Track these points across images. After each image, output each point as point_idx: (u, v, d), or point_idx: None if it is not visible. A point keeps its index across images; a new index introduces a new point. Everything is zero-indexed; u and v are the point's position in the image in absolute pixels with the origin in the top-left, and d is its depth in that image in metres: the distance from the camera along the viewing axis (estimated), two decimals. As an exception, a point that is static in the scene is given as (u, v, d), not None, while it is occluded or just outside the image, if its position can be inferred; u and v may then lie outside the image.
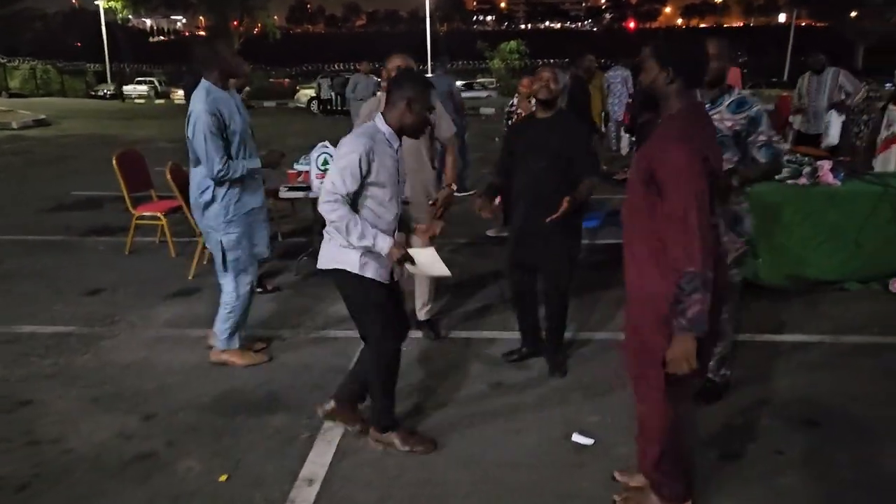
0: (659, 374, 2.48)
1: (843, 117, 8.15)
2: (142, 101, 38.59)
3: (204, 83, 3.86)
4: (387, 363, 3.17)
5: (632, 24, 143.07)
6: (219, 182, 3.87)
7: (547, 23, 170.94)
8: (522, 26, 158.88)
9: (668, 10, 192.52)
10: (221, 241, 3.97)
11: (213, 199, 3.92)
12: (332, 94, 25.93)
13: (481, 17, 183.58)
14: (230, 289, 4.07)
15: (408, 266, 3.06)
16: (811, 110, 8.27)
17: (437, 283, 4.65)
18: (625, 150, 10.95)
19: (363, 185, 2.92)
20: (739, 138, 3.33)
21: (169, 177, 5.76)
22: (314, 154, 5.55)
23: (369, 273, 3.04)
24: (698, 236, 2.25)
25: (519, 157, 3.99)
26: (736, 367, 3.84)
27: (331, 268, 3.10)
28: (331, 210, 2.88)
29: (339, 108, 24.95)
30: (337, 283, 3.14)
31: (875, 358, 4.14)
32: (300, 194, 5.60)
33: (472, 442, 3.31)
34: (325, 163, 5.53)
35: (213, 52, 3.89)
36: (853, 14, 29.37)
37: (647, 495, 2.76)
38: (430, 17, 40.05)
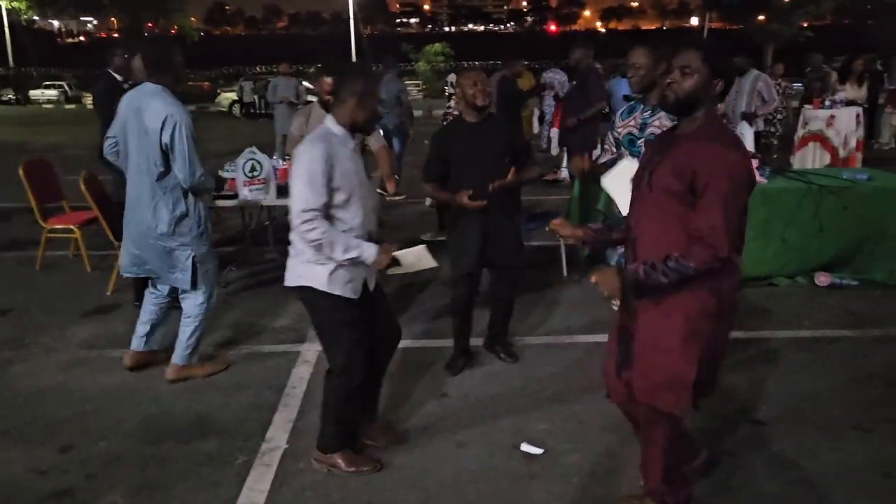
0: (677, 397, 2.40)
1: (753, 128, 8.23)
2: (50, 106, 36.76)
3: (157, 87, 3.67)
4: (350, 390, 2.96)
5: (553, 27, 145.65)
6: (191, 192, 3.73)
7: (470, 25, 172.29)
8: (446, 29, 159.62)
9: (587, 13, 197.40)
10: (194, 256, 3.79)
11: (186, 212, 3.74)
12: (255, 97, 25.35)
13: (405, 20, 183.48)
14: (199, 301, 3.91)
15: (392, 269, 2.93)
16: (729, 111, 8.44)
17: None
18: (554, 151, 11.03)
19: (329, 191, 2.78)
20: None
21: (83, 186, 5.38)
22: (241, 161, 5.29)
23: (337, 289, 2.87)
24: (720, 247, 2.19)
25: (457, 164, 3.89)
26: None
27: (297, 285, 2.92)
28: (309, 229, 2.71)
29: (263, 112, 24.40)
30: (304, 302, 2.97)
31: (810, 352, 4.22)
32: (228, 203, 5.34)
33: (419, 458, 3.18)
34: (253, 169, 5.28)
35: (170, 55, 3.75)
36: (760, 17, 30.67)
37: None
38: (354, 18, 39.68)
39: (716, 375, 2.56)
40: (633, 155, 3.44)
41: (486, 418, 3.52)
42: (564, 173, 9.62)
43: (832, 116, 8.60)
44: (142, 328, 4.04)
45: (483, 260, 3.93)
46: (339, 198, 2.80)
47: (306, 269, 2.87)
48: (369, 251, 2.81)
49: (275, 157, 5.90)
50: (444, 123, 7.34)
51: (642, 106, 3.49)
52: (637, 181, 2.50)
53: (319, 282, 2.85)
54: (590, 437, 3.31)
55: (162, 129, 3.57)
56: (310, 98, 13.02)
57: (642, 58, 3.41)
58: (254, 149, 5.31)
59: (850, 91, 10.19)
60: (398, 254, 2.89)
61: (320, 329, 3.00)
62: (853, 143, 8.64)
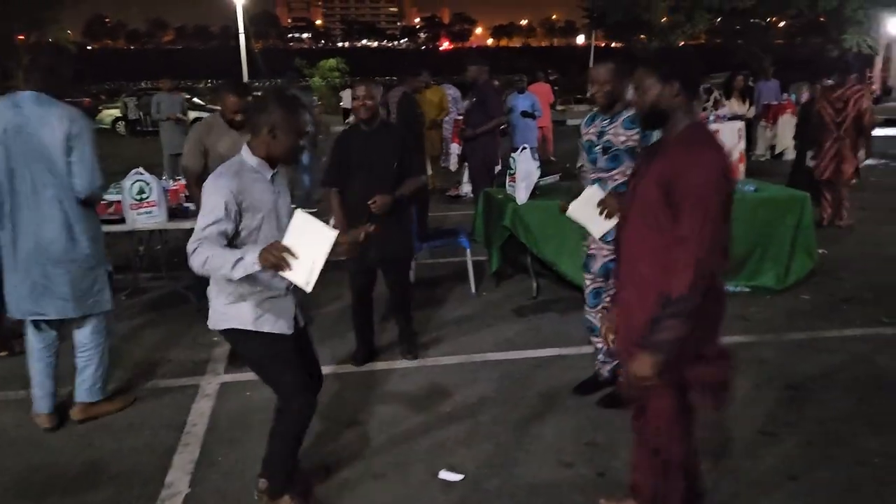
0: (670, 405, 2.38)
1: None
2: None
3: (38, 94, 3.29)
4: (304, 425, 2.79)
5: (446, 44, 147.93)
6: (85, 202, 3.41)
7: (364, 41, 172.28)
8: (340, 44, 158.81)
9: (479, 31, 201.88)
10: (97, 277, 3.51)
11: (95, 229, 3.51)
12: (140, 113, 24.17)
13: (297, 35, 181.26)
14: (102, 325, 3.62)
15: (293, 263, 2.36)
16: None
17: None
18: (454, 166, 11.06)
19: (238, 228, 2.55)
20: (633, 154, 3.44)
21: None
22: (127, 182, 4.96)
23: (266, 327, 2.67)
24: (704, 260, 2.13)
25: (351, 169, 4.14)
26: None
27: (223, 328, 2.70)
28: (193, 258, 2.47)
29: (149, 129, 23.31)
30: (233, 343, 2.79)
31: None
32: (114, 227, 4.98)
33: (335, 493, 3.01)
34: (141, 191, 4.97)
35: (69, 63, 3.42)
36: (642, 36, 32.26)
37: None
38: (244, 32, 38.70)
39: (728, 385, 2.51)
40: (590, 161, 3.62)
41: (401, 445, 3.40)
42: (466, 189, 9.65)
43: (716, 131, 9.04)
44: (49, 384, 3.60)
45: (374, 256, 4.09)
46: (256, 231, 2.60)
47: (231, 308, 2.66)
48: (251, 256, 2.38)
49: (164, 178, 5.58)
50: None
51: (602, 114, 3.60)
52: (628, 193, 2.49)
53: (245, 321, 2.65)
54: (509, 459, 3.25)
55: (68, 138, 3.27)
56: (197, 114, 12.46)
57: (606, 74, 3.48)
58: (141, 170, 5.00)
59: (735, 106, 10.80)
60: (288, 242, 2.38)
61: (258, 369, 2.79)
62: (736, 156, 9.11)
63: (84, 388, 3.64)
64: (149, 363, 4.40)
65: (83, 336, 3.60)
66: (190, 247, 2.48)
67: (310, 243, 2.36)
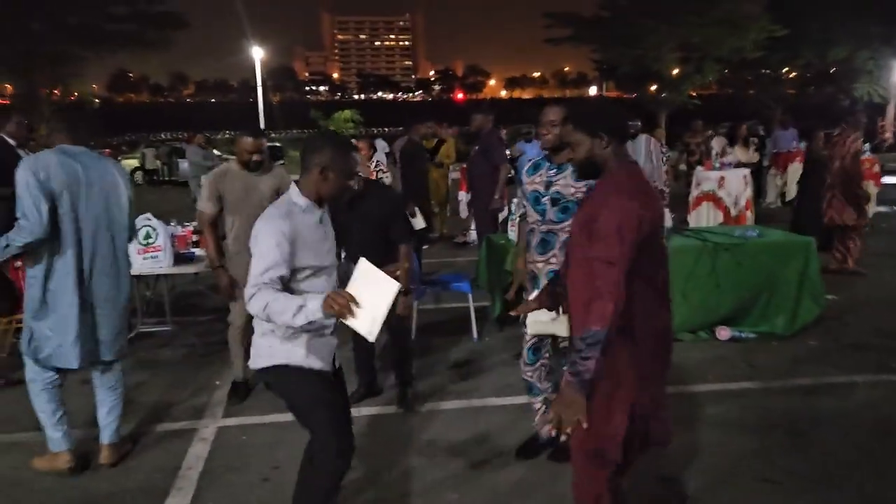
0: (603, 455, 2.41)
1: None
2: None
3: (87, 150, 3.46)
4: (340, 476, 2.65)
5: (460, 96, 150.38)
6: None
7: (379, 93, 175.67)
8: (356, 97, 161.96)
9: (492, 82, 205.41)
10: (128, 320, 3.70)
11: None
12: (159, 163, 24.67)
13: (314, 87, 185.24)
14: (120, 366, 3.68)
15: (356, 311, 2.35)
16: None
17: None
18: (463, 213, 11.16)
19: (291, 270, 2.52)
20: None
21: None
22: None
23: (317, 364, 2.62)
24: (614, 294, 2.19)
25: (342, 227, 3.98)
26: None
27: (267, 366, 2.63)
28: (252, 303, 2.42)
29: (167, 179, 23.74)
30: (278, 384, 2.69)
31: (715, 405, 4.29)
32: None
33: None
34: (148, 236, 5.06)
35: (93, 119, 3.65)
36: (653, 87, 32.69)
37: None
38: (262, 86, 39.66)
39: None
40: (537, 212, 3.43)
41: (395, 491, 3.36)
42: (473, 236, 9.71)
43: (722, 178, 9.12)
44: (65, 420, 3.55)
45: None
46: (305, 271, 2.57)
47: (277, 346, 2.60)
48: (314, 303, 2.35)
49: (173, 223, 5.67)
50: None
51: (548, 164, 3.46)
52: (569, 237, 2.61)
53: (295, 357, 2.59)
54: (504, 505, 3.20)
55: (126, 188, 3.53)
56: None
57: (556, 115, 3.34)
58: (148, 215, 5.11)
59: (740, 153, 10.88)
60: (351, 286, 2.40)
61: (301, 410, 2.67)
62: (743, 203, 9.16)
63: (112, 429, 3.64)
64: (148, 406, 4.40)
65: (113, 378, 3.64)
66: (248, 292, 2.44)
67: (373, 293, 2.37)
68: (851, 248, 7.43)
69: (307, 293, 2.48)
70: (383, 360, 4.87)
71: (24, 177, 3.21)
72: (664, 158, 9.37)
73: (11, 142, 5.18)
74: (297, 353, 2.59)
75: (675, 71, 31.12)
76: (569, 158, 2.51)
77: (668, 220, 6.13)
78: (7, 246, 3.24)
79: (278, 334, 2.59)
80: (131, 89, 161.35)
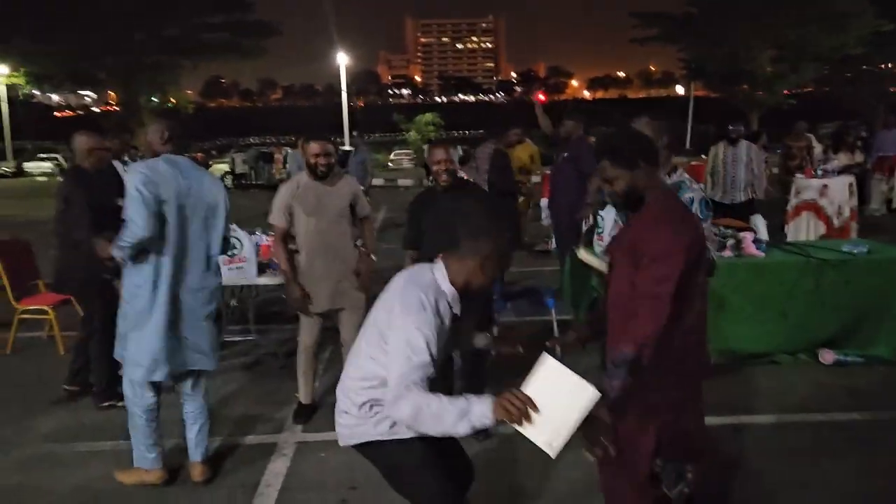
0: (636, 472, 2.46)
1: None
2: (44, 178, 36.91)
3: (184, 159, 3.51)
4: None
5: (542, 97, 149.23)
6: None
7: (460, 95, 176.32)
8: (437, 99, 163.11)
9: (574, 83, 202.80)
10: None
11: None
12: (248, 167, 25.47)
13: (397, 91, 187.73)
14: (204, 384, 3.71)
15: (535, 417, 2.02)
16: (727, 180, 8.34)
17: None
18: (545, 221, 10.93)
19: None
20: None
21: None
22: (220, 238, 5.13)
23: (405, 433, 2.33)
24: (656, 320, 2.25)
25: (430, 233, 4.02)
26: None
27: (358, 443, 2.44)
28: (398, 406, 2.14)
29: (255, 183, 24.49)
30: (372, 460, 2.49)
31: (815, 437, 3.98)
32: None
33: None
34: (233, 247, 5.12)
35: (184, 126, 3.67)
36: (743, 86, 31.37)
37: None
38: (346, 90, 40.41)
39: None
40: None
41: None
42: (554, 243, 9.49)
43: (825, 186, 8.54)
44: (160, 444, 3.58)
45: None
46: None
47: (365, 423, 2.39)
48: (480, 406, 2.04)
49: (257, 232, 5.74)
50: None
51: None
52: (608, 266, 2.65)
53: (380, 433, 2.38)
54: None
55: (224, 200, 3.56)
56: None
57: (644, 129, 3.27)
58: (234, 226, 5.15)
59: (844, 159, 10.18)
60: (530, 391, 2.04)
61: (399, 481, 2.46)
62: (847, 213, 8.57)
63: (204, 446, 3.65)
64: (230, 419, 4.43)
65: (201, 391, 3.66)
66: (394, 392, 2.15)
67: (558, 398, 2.02)
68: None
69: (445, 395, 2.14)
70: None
71: (134, 182, 3.25)
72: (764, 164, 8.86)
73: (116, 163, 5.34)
74: (380, 430, 2.38)
75: (769, 69, 29.81)
76: (609, 194, 2.51)
77: (764, 232, 5.78)
78: (120, 247, 3.27)
79: (355, 415, 2.39)
80: (223, 95, 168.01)
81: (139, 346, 3.37)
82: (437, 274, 2.36)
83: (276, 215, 4.25)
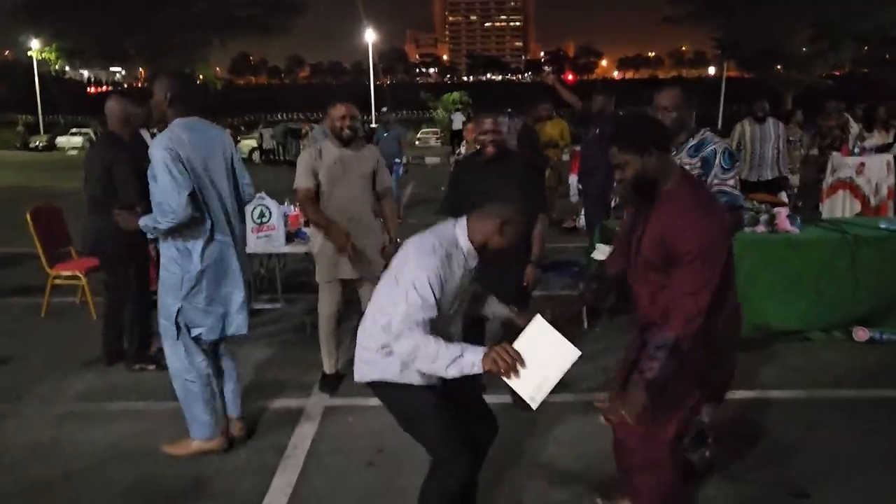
0: (665, 435, 2.52)
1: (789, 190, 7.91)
2: (75, 152, 37.44)
3: (197, 119, 3.44)
4: (452, 489, 2.43)
5: (570, 77, 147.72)
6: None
7: (489, 75, 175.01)
8: (465, 78, 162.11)
9: (604, 62, 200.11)
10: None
11: None
12: (275, 143, 25.56)
13: (424, 69, 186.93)
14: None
15: (521, 371, 2.21)
16: (754, 158, 8.19)
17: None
18: (574, 198, 10.84)
19: None
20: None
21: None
22: (249, 207, 5.16)
23: (415, 380, 2.45)
24: (697, 311, 2.30)
25: (470, 199, 3.84)
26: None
27: (369, 380, 2.54)
28: (400, 342, 2.29)
29: (283, 158, 24.58)
30: (380, 397, 2.59)
31: (851, 414, 3.91)
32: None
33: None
34: (262, 215, 5.15)
35: (193, 84, 3.78)
36: (778, 67, 30.71)
37: None
38: (374, 68, 40.34)
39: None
40: None
41: (487, 478, 3.24)
42: (582, 221, 9.40)
43: (862, 164, 8.35)
44: (216, 407, 3.58)
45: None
46: (441, 309, 2.39)
47: (376, 360, 2.49)
48: (473, 355, 2.22)
49: (286, 203, 5.76)
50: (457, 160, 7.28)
51: None
52: (626, 246, 2.64)
53: (391, 374, 2.47)
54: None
55: (234, 151, 3.56)
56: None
57: (672, 99, 3.23)
58: (263, 195, 5.18)
59: (878, 138, 9.94)
60: (519, 346, 2.24)
61: (405, 423, 2.56)
62: (885, 192, 8.37)
63: (239, 402, 3.73)
64: (260, 383, 4.48)
65: (231, 352, 3.72)
66: (396, 328, 2.30)
67: (543, 355, 2.22)
68: None
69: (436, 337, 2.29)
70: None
71: (161, 157, 3.17)
72: (798, 143, 8.67)
73: (144, 133, 5.35)
74: (392, 370, 2.46)
75: (806, 49, 29.13)
76: (619, 180, 2.46)
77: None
78: (155, 227, 3.27)
79: (373, 351, 2.48)
80: (251, 72, 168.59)
81: (189, 312, 3.38)
82: (458, 229, 2.46)
83: (301, 179, 4.12)
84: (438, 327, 2.35)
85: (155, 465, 3.48)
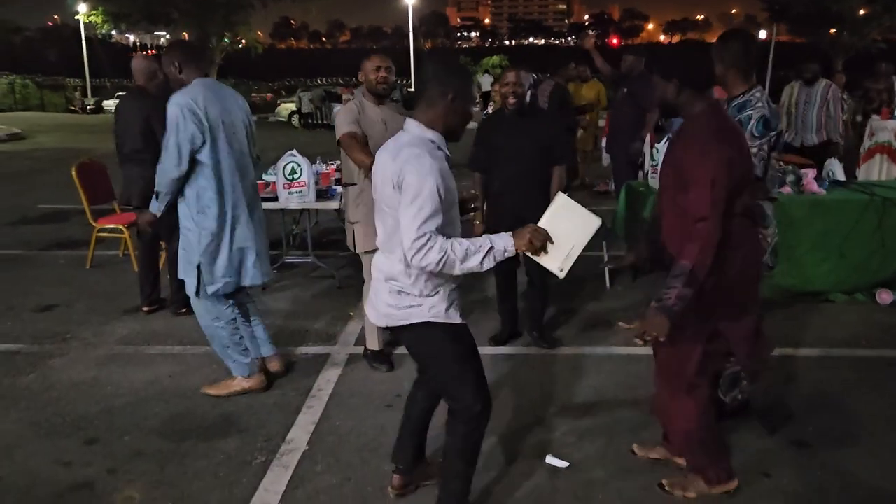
0: (687, 359, 2.64)
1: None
2: (121, 115, 38.20)
3: (212, 80, 3.60)
4: (482, 432, 2.50)
5: (615, 41, 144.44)
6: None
7: (531, 39, 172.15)
8: (506, 42, 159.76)
9: (650, 26, 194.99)
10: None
11: None
12: (313, 107, 25.71)
13: (465, 33, 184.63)
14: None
15: (550, 248, 2.34)
16: (798, 121, 7.93)
17: None
18: (605, 161, 10.78)
19: None
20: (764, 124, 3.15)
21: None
22: (281, 163, 5.33)
23: (457, 318, 2.43)
24: (706, 241, 2.38)
25: (496, 153, 4.16)
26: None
27: (408, 323, 2.41)
28: (423, 257, 2.20)
29: (321, 122, 24.75)
30: (416, 342, 2.48)
31: (865, 373, 3.95)
32: (269, 206, 5.35)
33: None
34: (293, 171, 5.31)
35: (202, 47, 3.83)
36: (832, 31, 29.59)
37: (693, 480, 2.81)
38: (414, 32, 40.06)
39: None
40: None
41: (513, 426, 3.39)
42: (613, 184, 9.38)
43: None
44: (247, 348, 3.84)
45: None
46: (446, 214, 2.30)
47: (418, 304, 2.38)
48: (501, 241, 2.26)
49: (318, 161, 5.91)
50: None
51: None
52: (660, 176, 2.80)
53: (436, 314, 2.39)
54: (618, 453, 3.15)
55: (248, 112, 3.71)
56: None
57: (734, 44, 3.19)
58: (294, 152, 5.34)
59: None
60: (545, 220, 2.34)
61: (441, 368, 2.48)
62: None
63: (270, 343, 3.98)
64: (289, 331, 4.69)
65: (252, 299, 3.95)
66: (416, 243, 2.20)
67: (569, 228, 2.35)
68: None
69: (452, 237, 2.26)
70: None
71: (174, 113, 3.33)
72: (844, 106, 8.35)
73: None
74: (437, 310, 2.38)
75: (861, 11, 27.99)
76: (661, 96, 2.63)
77: (840, 173, 5.59)
78: (158, 196, 3.48)
79: (414, 292, 2.37)
80: (293, 36, 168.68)
81: (213, 266, 3.55)
82: (413, 130, 2.35)
83: (345, 126, 3.78)
84: (448, 231, 2.30)
85: (189, 402, 3.71)
